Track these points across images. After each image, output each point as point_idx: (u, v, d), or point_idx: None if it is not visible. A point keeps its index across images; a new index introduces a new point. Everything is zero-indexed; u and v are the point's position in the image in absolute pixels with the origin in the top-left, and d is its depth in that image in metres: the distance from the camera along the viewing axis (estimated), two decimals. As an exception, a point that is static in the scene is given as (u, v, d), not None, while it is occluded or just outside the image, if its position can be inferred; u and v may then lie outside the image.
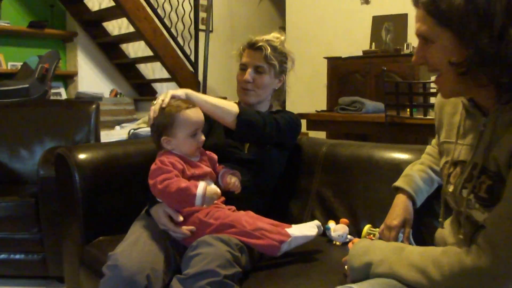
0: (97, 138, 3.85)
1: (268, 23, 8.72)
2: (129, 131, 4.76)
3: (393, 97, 4.08)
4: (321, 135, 6.02)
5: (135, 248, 1.78)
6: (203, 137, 2.00)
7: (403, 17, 6.46)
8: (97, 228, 2.27)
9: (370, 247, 1.53)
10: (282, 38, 2.40)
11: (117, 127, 5.41)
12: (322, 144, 2.49)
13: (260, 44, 2.30)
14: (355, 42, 6.69)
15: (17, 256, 3.12)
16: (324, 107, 6.09)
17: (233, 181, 2.04)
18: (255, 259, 1.88)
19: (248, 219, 1.88)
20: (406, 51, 6.09)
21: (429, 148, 2.02)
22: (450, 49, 1.29)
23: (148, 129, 4.55)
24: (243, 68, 2.35)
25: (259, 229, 1.82)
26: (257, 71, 2.32)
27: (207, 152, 2.10)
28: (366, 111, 4.50)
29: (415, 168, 1.95)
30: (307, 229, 1.89)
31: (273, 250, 1.81)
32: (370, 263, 1.47)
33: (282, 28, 8.24)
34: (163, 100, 1.96)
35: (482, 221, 1.36)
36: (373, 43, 6.60)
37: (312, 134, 6.11)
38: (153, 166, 1.91)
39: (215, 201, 1.89)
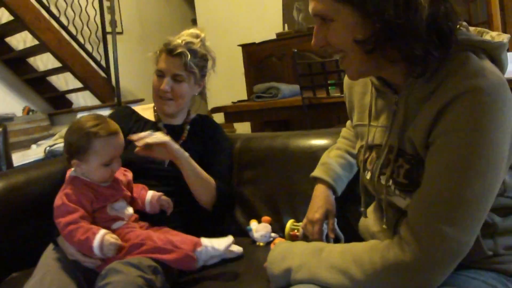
0: (9, 163, 3.63)
1: (180, 17, 8.58)
2: (45, 149, 4.60)
3: (308, 78, 4.01)
4: (246, 126, 5.96)
5: None
6: (117, 167, 1.86)
7: None
8: (7, 265, 2.09)
9: (288, 251, 1.44)
10: (202, 35, 2.24)
11: (33, 146, 5.23)
12: (235, 140, 2.40)
13: (179, 50, 2.13)
14: (268, 25, 6.60)
15: None
16: (245, 97, 6.02)
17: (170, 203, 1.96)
18: (174, 276, 1.77)
19: (160, 234, 1.78)
20: (319, 29, 6.05)
21: (344, 131, 1.95)
22: (353, 25, 1.18)
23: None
24: (160, 74, 2.18)
25: (170, 242, 1.72)
26: (176, 80, 2.16)
27: (121, 169, 1.96)
28: (283, 95, 4.41)
29: (332, 155, 1.87)
30: (217, 243, 1.78)
31: (189, 262, 1.71)
32: (289, 269, 1.38)
33: (194, 21, 8.11)
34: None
35: (405, 208, 1.30)
36: (286, 25, 6.52)
37: (237, 126, 6.04)
38: (57, 200, 1.76)
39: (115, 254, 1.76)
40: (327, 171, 1.82)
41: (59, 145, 4.57)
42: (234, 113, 4.63)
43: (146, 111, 2.33)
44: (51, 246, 1.90)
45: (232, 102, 4.67)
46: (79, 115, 5.16)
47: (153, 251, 1.69)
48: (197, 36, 2.21)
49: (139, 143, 1.90)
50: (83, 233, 1.68)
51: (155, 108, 2.29)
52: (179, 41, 2.16)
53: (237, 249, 1.89)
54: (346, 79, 1.62)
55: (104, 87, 5.90)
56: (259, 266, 1.73)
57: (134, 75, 7.15)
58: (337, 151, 1.88)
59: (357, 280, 1.23)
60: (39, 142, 5.29)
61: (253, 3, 6.86)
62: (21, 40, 6.23)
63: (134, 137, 1.91)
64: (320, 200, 1.77)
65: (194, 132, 2.27)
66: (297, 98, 4.19)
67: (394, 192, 1.31)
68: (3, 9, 5.46)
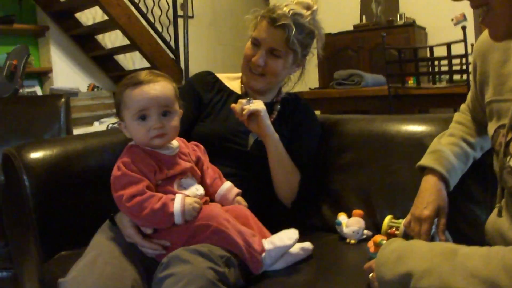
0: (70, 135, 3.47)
1: (252, 5, 8.31)
2: (108, 126, 4.48)
3: (396, 66, 3.71)
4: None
5: (91, 272, 1.37)
6: (156, 123, 1.52)
7: None
8: (57, 241, 1.86)
9: (407, 250, 1.14)
10: (315, 7, 1.90)
11: (96, 123, 5.15)
12: (323, 122, 2.10)
13: (283, 22, 1.80)
14: (345, 17, 6.44)
15: (-14, 274, 2.79)
16: (316, 85, 5.83)
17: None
18: (248, 270, 1.48)
19: (229, 217, 1.50)
20: (399, 22, 5.85)
21: (458, 116, 1.66)
22: None
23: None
24: (255, 43, 1.89)
25: (241, 234, 1.46)
26: (272, 54, 1.86)
27: (189, 145, 1.70)
28: (366, 84, 4.16)
29: (445, 142, 1.57)
30: (281, 240, 1.51)
31: (255, 265, 1.46)
32: (409, 274, 1.07)
33: (266, 9, 7.93)
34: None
35: None
36: (364, 17, 6.36)
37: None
38: (115, 171, 1.50)
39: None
40: (439, 160, 1.52)
41: (123, 123, 4.43)
42: (310, 100, 4.34)
43: (232, 81, 2.06)
44: (106, 225, 1.64)
45: (310, 89, 4.42)
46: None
47: (219, 236, 1.43)
48: (308, 7, 1.88)
49: (244, 114, 1.70)
50: (157, 201, 1.43)
51: (242, 79, 2.02)
52: (285, 9, 1.83)
53: (308, 245, 1.60)
54: (478, 47, 1.36)
55: (172, 68, 5.74)
56: (353, 267, 1.54)
57: (202, 60, 7.01)
58: (451, 138, 1.58)
59: None
60: (102, 120, 5.18)
61: (331, -8, 6.62)
62: (90, 17, 6.13)
63: (237, 107, 1.71)
64: (431, 194, 1.47)
65: (284, 113, 1.99)
66: (382, 88, 3.93)
67: None
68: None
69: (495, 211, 1.31)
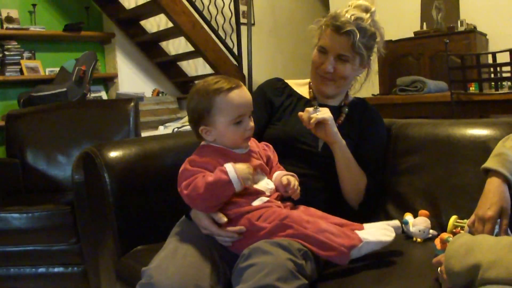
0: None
1: (311, 13, 8.40)
2: (173, 129, 4.58)
3: (458, 72, 3.70)
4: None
5: (173, 261, 1.47)
6: (251, 124, 1.65)
7: None
8: (133, 236, 1.97)
9: (475, 244, 1.19)
10: (373, 9, 1.97)
11: (161, 127, 5.24)
12: (389, 125, 2.15)
13: (347, 28, 1.87)
14: (405, 24, 6.35)
15: (56, 269, 2.91)
16: (377, 91, 5.74)
17: (292, 184, 1.66)
18: (321, 265, 1.55)
19: (309, 218, 1.55)
20: (460, 28, 5.75)
21: None
22: None
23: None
24: (322, 51, 1.95)
25: (323, 231, 1.48)
26: (340, 59, 1.93)
27: (260, 144, 1.78)
28: (428, 90, 4.15)
29: (509, 145, 1.60)
30: (382, 233, 1.55)
31: (341, 258, 1.47)
32: (477, 265, 1.13)
33: (325, 18, 7.94)
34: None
35: None
36: (424, 23, 6.28)
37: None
38: (180, 169, 1.60)
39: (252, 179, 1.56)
40: (503, 163, 1.55)
41: (187, 127, 4.53)
42: (373, 106, 4.32)
43: (301, 86, 2.13)
44: (182, 220, 1.74)
45: (373, 95, 4.44)
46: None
47: (301, 237, 1.47)
48: (366, 10, 1.95)
49: (311, 122, 1.74)
50: (209, 176, 1.51)
51: (311, 84, 2.08)
52: (347, 16, 1.90)
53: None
54: None
55: (235, 75, 5.74)
56: (420, 263, 1.56)
57: (263, 67, 7.06)
58: None
59: None
60: (167, 124, 5.29)
61: (391, 1, 6.62)
62: (154, 24, 6.26)
63: (305, 116, 1.75)
64: (494, 195, 1.50)
65: (352, 116, 2.05)
66: (445, 94, 3.92)
67: None
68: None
69: None
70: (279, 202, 1.65)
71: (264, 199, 1.61)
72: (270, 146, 1.81)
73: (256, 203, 1.58)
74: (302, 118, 1.77)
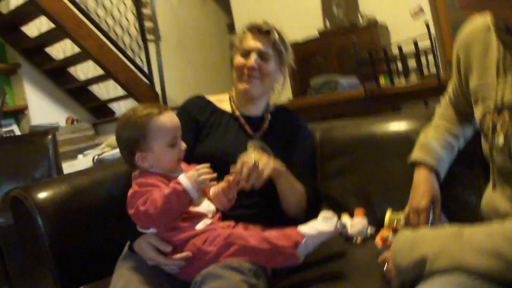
0: (59, 171, 3.50)
1: (215, 22, 8.47)
2: (93, 157, 4.49)
3: (368, 67, 3.82)
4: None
5: None
6: (183, 145, 1.67)
7: None
8: (74, 277, 1.90)
9: (418, 237, 1.25)
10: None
11: (80, 156, 5.12)
12: (313, 130, 2.19)
13: (267, 28, 2.00)
14: (308, 23, 6.51)
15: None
16: (290, 96, 5.88)
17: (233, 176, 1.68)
18: (270, 279, 1.57)
19: (251, 232, 1.57)
20: (362, 22, 5.95)
21: (440, 109, 1.77)
22: None
23: (114, 152, 4.29)
24: (245, 53, 2.01)
25: (265, 239, 1.51)
26: (262, 58, 1.99)
27: (190, 166, 1.76)
28: (342, 88, 4.26)
29: (430, 135, 1.68)
30: (321, 224, 1.56)
31: (291, 259, 1.50)
32: (423, 258, 1.18)
33: (230, 25, 8.01)
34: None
35: None
36: (326, 20, 6.42)
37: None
38: (130, 192, 1.58)
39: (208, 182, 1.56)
40: (428, 153, 1.62)
41: (108, 153, 4.46)
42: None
43: (221, 102, 2.13)
44: (125, 254, 1.71)
45: (289, 99, 4.51)
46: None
47: (247, 252, 1.49)
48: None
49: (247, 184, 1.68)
50: (164, 189, 1.51)
51: (232, 96, 2.12)
52: (265, 21, 2.03)
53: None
54: (461, 40, 1.47)
55: (148, 94, 5.76)
56: (365, 264, 1.59)
57: (174, 81, 7.03)
58: (436, 131, 1.69)
59: None
60: (85, 152, 5.17)
61: (291, 2, 6.78)
62: (61, 50, 6.13)
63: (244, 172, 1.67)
64: (424, 185, 1.57)
65: (275, 124, 2.08)
66: (358, 90, 4.03)
67: None
68: (42, 18, 5.37)
69: (489, 186, 1.42)
70: (222, 223, 1.65)
71: (207, 221, 1.61)
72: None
73: (200, 226, 1.58)
74: (236, 173, 1.69)
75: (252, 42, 2.00)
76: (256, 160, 1.66)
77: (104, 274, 1.70)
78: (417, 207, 1.54)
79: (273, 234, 1.53)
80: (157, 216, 1.50)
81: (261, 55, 1.99)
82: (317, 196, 2.03)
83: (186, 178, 1.50)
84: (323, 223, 1.56)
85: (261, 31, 2.01)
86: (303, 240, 1.50)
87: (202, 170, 1.53)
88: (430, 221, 1.54)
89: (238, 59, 2.02)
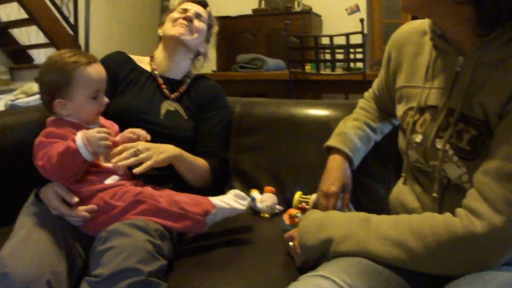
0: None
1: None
2: (6, 103, 4.33)
3: (296, 52, 3.87)
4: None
5: (27, 247, 1.40)
6: (106, 99, 1.65)
7: None
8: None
9: (327, 219, 1.29)
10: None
11: (-8, 99, 4.89)
12: (233, 104, 2.20)
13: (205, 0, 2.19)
14: (243, 0, 6.48)
15: None
16: (214, 68, 5.83)
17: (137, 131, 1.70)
18: (174, 242, 1.57)
19: (162, 193, 1.57)
20: (297, 8, 5.99)
21: (362, 102, 1.82)
22: None
23: (28, 99, 4.16)
24: (182, 11, 2.09)
25: (176, 202, 1.52)
26: (198, 18, 2.10)
27: (107, 121, 1.75)
28: (268, 68, 4.30)
29: (349, 125, 1.73)
30: (235, 200, 1.60)
31: (198, 226, 1.52)
32: (329, 240, 1.23)
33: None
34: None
35: (455, 178, 1.21)
36: (263, 2, 6.43)
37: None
38: (36, 141, 1.54)
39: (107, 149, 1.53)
40: (344, 141, 1.67)
41: (22, 100, 4.31)
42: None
43: (142, 62, 2.14)
44: (30, 201, 1.66)
45: (212, 71, 4.50)
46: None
47: (156, 213, 1.49)
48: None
49: (121, 163, 1.59)
50: (61, 145, 1.46)
51: (154, 56, 2.14)
52: None
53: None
54: (395, 40, 1.51)
55: (70, 45, 5.52)
56: (270, 239, 1.63)
57: (99, 36, 6.86)
58: (355, 122, 1.74)
59: (417, 253, 1.11)
60: (-2, 96, 4.98)
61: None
62: (-15, -13, 5.85)
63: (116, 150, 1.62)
64: (337, 172, 1.62)
65: (193, 90, 2.09)
66: (284, 72, 4.09)
67: (451, 158, 1.21)
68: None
69: (400, 181, 1.47)
70: (129, 182, 1.64)
71: (117, 177, 1.60)
72: (114, 124, 1.79)
73: (109, 181, 1.57)
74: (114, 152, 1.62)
75: (191, 5, 2.10)
76: (138, 149, 1.63)
77: (6, 222, 1.64)
78: (327, 192, 1.58)
79: (184, 199, 1.54)
80: (54, 172, 1.48)
81: (197, 16, 2.08)
82: (225, 167, 2.04)
83: (81, 138, 1.46)
84: (237, 201, 1.60)
85: (199, 1, 2.15)
86: (214, 210, 1.53)
87: (102, 135, 1.48)
88: (338, 207, 1.58)
89: (175, 14, 2.08)
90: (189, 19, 2.05)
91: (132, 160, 1.58)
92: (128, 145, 1.63)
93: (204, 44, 2.16)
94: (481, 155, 1.14)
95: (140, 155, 1.62)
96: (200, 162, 1.90)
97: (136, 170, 1.59)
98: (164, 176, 1.82)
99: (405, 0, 1.20)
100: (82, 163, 1.49)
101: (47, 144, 1.50)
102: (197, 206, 1.52)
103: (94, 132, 1.48)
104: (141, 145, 1.65)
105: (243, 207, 1.59)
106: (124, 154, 1.59)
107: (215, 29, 2.21)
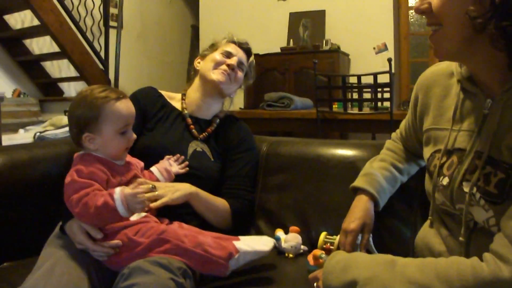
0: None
1: (180, 21, 8.46)
2: (35, 134, 4.39)
3: (325, 91, 3.88)
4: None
5: (50, 281, 1.40)
6: (134, 135, 1.66)
7: (321, 14, 6.43)
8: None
9: (351, 261, 1.27)
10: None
11: (21, 131, 4.99)
12: (260, 143, 2.20)
13: (248, 47, 2.18)
14: (272, 39, 6.57)
15: None
16: (242, 105, 5.84)
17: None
18: (197, 281, 1.56)
19: (186, 232, 1.56)
20: (325, 47, 6.01)
21: (389, 143, 1.82)
22: None
23: (57, 131, 4.21)
24: (226, 54, 2.10)
25: (200, 244, 1.50)
26: (239, 67, 2.11)
27: (133, 159, 1.76)
28: (295, 107, 4.31)
29: (376, 166, 1.72)
30: (258, 243, 1.59)
31: (220, 270, 1.50)
32: (354, 282, 1.21)
33: (194, 27, 7.98)
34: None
35: (483, 222, 1.19)
36: (291, 40, 6.49)
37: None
38: (67, 179, 1.54)
39: (145, 210, 1.56)
40: (371, 182, 1.66)
41: (50, 132, 4.36)
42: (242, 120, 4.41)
43: (172, 99, 2.15)
44: (55, 234, 1.67)
45: (240, 108, 4.52)
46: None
47: (179, 253, 1.48)
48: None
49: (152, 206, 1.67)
50: (99, 198, 1.47)
51: (185, 95, 2.15)
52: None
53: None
54: (422, 81, 1.50)
55: (100, 79, 5.64)
56: (294, 279, 1.61)
57: (129, 72, 6.98)
58: (382, 163, 1.73)
59: None
60: (28, 127, 5.05)
61: (259, 15, 6.85)
62: (19, 20, 5.99)
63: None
64: (360, 211, 1.61)
65: (221, 130, 2.10)
66: (311, 111, 4.08)
67: (478, 201, 1.19)
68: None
69: (426, 224, 1.45)
70: (154, 217, 1.64)
71: (142, 214, 1.60)
72: (141, 162, 1.80)
73: (134, 217, 1.57)
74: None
75: (236, 50, 2.12)
76: (154, 186, 1.64)
77: (29, 254, 1.66)
78: (346, 229, 1.57)
79: (209, 241, 1.53)
80: (88, 220, 1.51)
81: (239, 64, 2.09)
82: (250, 208, 2.03)
83: (119, 197, 1.47)
84: (261, 243, 1.60)
85: (244, 47, 2.15)
86: (237, 255, 1.52)
87: (140, 196, 1.49)
88: (357, 246, 1.57)
89: (218, 56, 2.08)
90: (231, 67, 2.05)
91: (148, 195, 1.57)
92: (142, 181, 1.66)
93: (239, 87, 2.19)
94: (509, 199, 1.12)
95: (156, 192, 1.65)
96: (220, 202, 1.90)
97: (151, 205, 1.63)
98: (188, 214, 1.82)
99: (440, 50, 1.20)
100: (119, 218, 1.51)
101: (80, 185, 1.50)
102: (221, 250, 1.51)
103: (133, 191, 1.49)
104: (157, 183, 1.71)
105: (267, 249, 1.59)
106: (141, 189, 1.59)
107: (251, 81, 2.25)
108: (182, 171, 1.83)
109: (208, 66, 2.07)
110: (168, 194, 1.71)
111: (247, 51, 2.16)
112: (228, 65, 2.04)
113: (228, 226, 1.91)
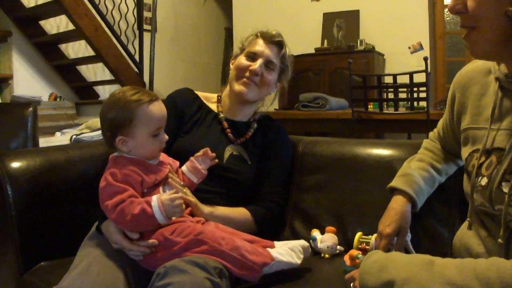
0: (36, 145, 3.44)
1: (214, 23, 8.49)
2: (71, 137, 4.48)
3: (361, 91, 3.85)
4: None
5: (86, 280, 1.42)
6: (166, 136, 1.65)
7: (355, 14, 6.41)
8: (37, 251, 1.87)
9: (388, 261, 1.24)
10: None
11: (58, 133, 5.08)
12: (296, 143, 2.18)
13: (279, 39, 2.02)
14: (306, 40, 6.54)
15: None
16: (276, 107, 5.80)
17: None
18: (233, 281, 1.54)
19: (223, 234, 1.55)
20: (359, 47, 5.97)
21: (427, 143, 1.78)
22: None
23: (93, 134, 4.27)
24: (251, 56, 2.00)
25: (237, 248, 1.50)
26: (267, 67, 1.99)
27: (169, 158, 1.76)
28: (330, 107, 4.29)
29: (414, 166, 1.69)
30: (293, 254, 1.59)
31: (253, 275, 1.50)
32: (391, 282, 1.17)
33: (228, 29, 8.00)
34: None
35: None
36: (325, 40, 6.47)
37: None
38: (101, 182, 1.55)
39: (182, 212, 1.55)
40: (409, 183, 1.63)
41: (86, 134, 4.43)
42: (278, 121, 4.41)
43: (209, 100, 2.13)
44: (92, 234, 1.68)
45: (275, 109, 4.51)
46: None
47: (216, 253, 1.47)
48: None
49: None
50: (136, 206, 1.47)
51: (221, 97, 2.12)
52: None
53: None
54: (459, 80, 1.48)
55: (135, 82, 5.69)
56: (330, 280, 1.60)
57: (163, 75, 7.04)
58: (420, 163, 1.70)
59: None
60: (64, 130, 5.14)
61: (293, 16, 6.83)
62: (54, 25, 6.09)
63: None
64: (396, 213, 1.58)
65: (258, 133, 2.08)
66: (346, 111, 4.06)
67: None
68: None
69: (465, 225, 1.42)
70: (190, 217, 1.64)
71: None
72: (176, 161, 1.80)
73: None
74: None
75: (262, 48, 1.99)
76: (183, 184, 1.70)
77: (66, 253, 1.68)
78: (382, 232, 1.56)
79: (246, 246, 1.52)
80: (125, 226, 1.52)
81: (267, 63, 1.98)
82: (278, 210, 1.99)
83: (157, 204, 1.48)
84: (295, 255, 1.59)
85: (273, 40, 2.01)
86: (271, 263, 1.52)
87: (178, 202, 1.50)
88: (389, 249, 1.55)
89: (242, 60, 2.00)
90: (254, 73, 1.96)
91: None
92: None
93: (276, 86, 2.09)
94: None
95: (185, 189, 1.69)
96: (238, 214, 1.88)
97: None
98: (217, 194, 1.85)
99: (476, 50, 1.18)
100: (156, 225, 1.51)
101: (114, 189, 1.51)
102: (257, 256, 1.51)
103: (169, 197, 1.49)
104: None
105: (299, 261, 1.59)
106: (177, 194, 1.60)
107: (289, 74, 2.13)
108: (212, 163, 1.80)
109: (232, 74, 2.02)
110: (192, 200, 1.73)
111: (278, 44, 2.02)
112: (251, 72, 1.96)
113: (253, 231, 1.87)
